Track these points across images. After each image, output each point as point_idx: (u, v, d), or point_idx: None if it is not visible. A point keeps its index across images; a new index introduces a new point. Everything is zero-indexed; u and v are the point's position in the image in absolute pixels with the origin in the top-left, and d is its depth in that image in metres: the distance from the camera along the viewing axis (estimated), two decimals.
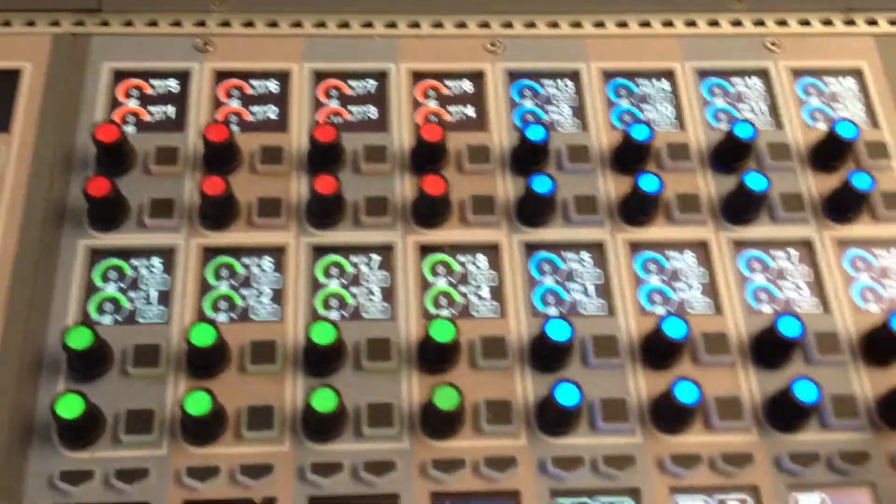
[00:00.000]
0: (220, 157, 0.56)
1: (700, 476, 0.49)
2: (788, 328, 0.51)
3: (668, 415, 0.50)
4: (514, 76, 0.62)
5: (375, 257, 0.55)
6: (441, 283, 0.55)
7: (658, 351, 0.52)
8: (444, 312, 0.54)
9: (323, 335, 0.49)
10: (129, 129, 0.58)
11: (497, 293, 0.55)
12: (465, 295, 0.55)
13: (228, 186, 0.54)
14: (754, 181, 0.55)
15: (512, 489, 0.49)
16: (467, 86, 0.62)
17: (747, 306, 0.55)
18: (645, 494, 0.49)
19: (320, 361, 0.50)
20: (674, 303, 0.55)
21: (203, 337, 0.49)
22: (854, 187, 0.56)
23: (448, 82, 0.62)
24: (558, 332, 0.50)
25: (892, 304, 0.55)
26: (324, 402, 0.48)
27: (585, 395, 0.50)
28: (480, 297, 0.55)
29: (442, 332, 0.50)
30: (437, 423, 0.49)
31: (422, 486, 0.48)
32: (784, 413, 0.50)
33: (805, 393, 0.49)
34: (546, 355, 0.52)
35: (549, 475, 0.49)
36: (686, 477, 0.49)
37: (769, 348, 0.52)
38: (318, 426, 0.48)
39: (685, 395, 0.49)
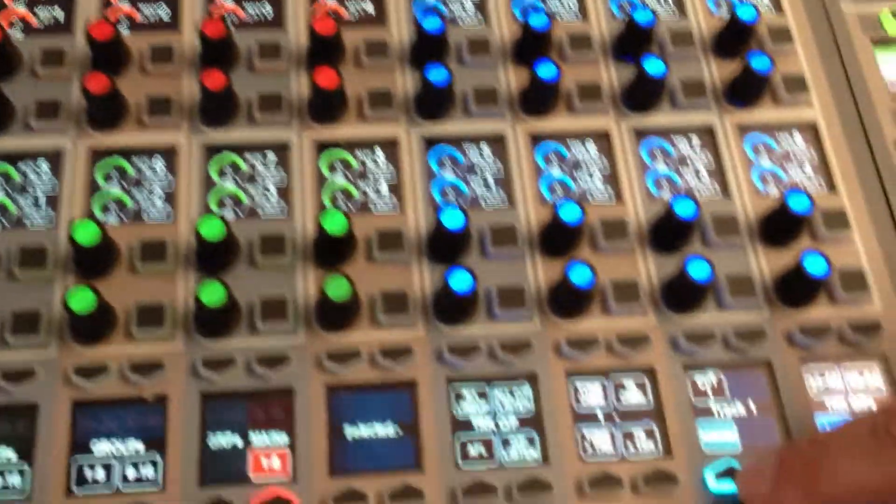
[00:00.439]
0: (108, 57, 0.55)
1: (597, 359, 0.49)
2: (684, 209, 0.51)
3: (564, 299, 0.50)
4: None
5: (271, 155, 0.54)
6: (339, 180, 0.54)
7: (555, 238, 0.52)
8: (342, 208, 0.53)
9: (211, 230, 0.48)
10: (17, 35, 0.56)
11: (396, 189, 0.54)
12: (363, 192, 0.54)
13: (114, 85, 0.52)
14: (653, 66, 0.55)
15: (409, 379, 0.48)
16: None
17: (648, 194, 0.55)
18: (542, 379, 0.49)
19: (211, 258, 0.50)
20: (575, 193, 0.55)
21: (88, 236, 0.48)
22: (753, 70, 0.55)
23: None
24: (453, 220, 0.50)
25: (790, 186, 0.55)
26: (212, 295, 0.47)
27: (482, 284, 0.50)
28: (379, 193, 0.54)
29: (334, 224, 0.49)
30: (330, 314, 0.49)
31: (317, 378, 0.48)
32: (679, 293, 0.50)
33: (698, 271, 0.49)
34: (442, 245, 0.51)
35: (445, 363, 0.49)
36: (583, 360, 0.49)
37: (666, 231, 0.52)
38: (208, 321, 0.48)
39: (579, 278, 0.49)
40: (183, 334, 0.49)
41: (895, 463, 0.36)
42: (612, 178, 0.55)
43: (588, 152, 0.56)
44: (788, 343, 0.50)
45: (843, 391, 0.50)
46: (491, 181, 0.55)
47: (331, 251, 0.50)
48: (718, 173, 0.56)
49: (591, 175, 0.55)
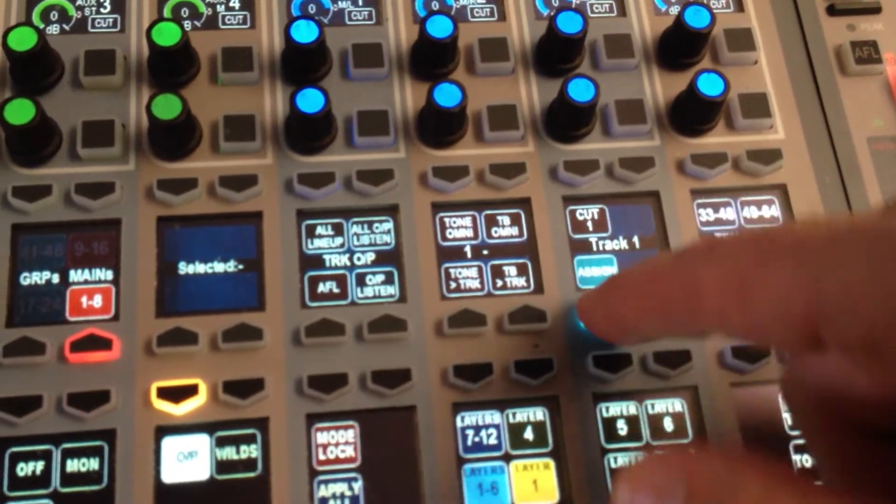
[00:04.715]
0: None
1: (468, 190, 0.44)
2: (568, 24, 0.45)
3: (431, 124, 0.44)
4: None
5: None
6: None
7: (424, 57, 0.46)
8: (186, 24, 0.47)
9: (22, 42, 0.42)
10: None
11: (248, 1, 0.48)
12: (211, 5, 0.47)
13: None
14: None
15: (255, 210, 0.43)
16: None
17: (535, 12, 0.49)
18: (404, 209, 0.44)
19: (25, 75, 0.43)
20: (454, 9, 0.49)
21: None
22: None
23: None
24: (304, 34, 0.44)
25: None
26: (19, 115, 0.41)
27: (339, 107, 0.44)
28: (229, 7, 0.47)
29: (167, 36, 0.43)
30: (161, 138, 0.43)
31: (147, 209, 0.43)
32: (560, 119, 0.45)
33: (579, 92, 0.44)
34: (294, 61, 0.45)
35: (295, 194, 0.43)
36: (451, 192, 0.44)
37: (550, 50, 0.47)
38: (18, 142, 0.42)
39: (446, 98, 0.43)
40: None
41: (690, 276, 0.31)
42: None
43: None
44: (679, 172, 0.45)
45: (735, 224, 0.45)
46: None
47: (166, 69, 0.44)
48: None
49: None
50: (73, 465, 0.38)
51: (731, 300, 0.29)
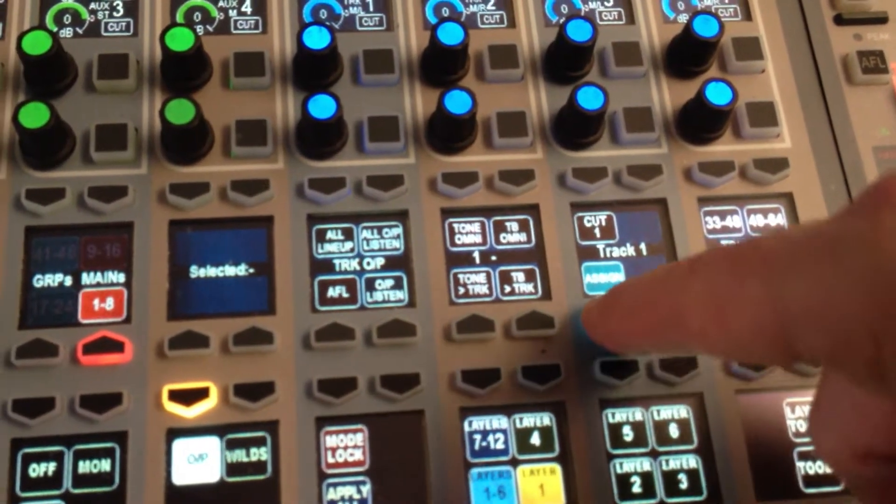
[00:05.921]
0: None
1: (477, 197, 0.45)
2: (578, 32, 0.46)
3: (441, 130, 0.45)
4: None
5: None
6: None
7: (434, 64, 0.46)
8: (199, 29, 0.47)
9: (37, 46, 0.42)
10: None
11: (260, 6, 0.48)
12: (223, 10, 0.48)
13: None
14: None
15: (267, 214, 0.44)
16: None
17: (545, 19, 0.49)
18: (413, 215, 0.44)
19: (40, 78, 0.44)
20: (464, 15, 0.49)
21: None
22: None
23: None
24: (316, 40, 0.44)
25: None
26: (34, 118, 0.41)
27: (350, 112, 0.45)
28: (241, 12, 0.48)
29: (180, 42, 0.43)
30: (173, 143, 0.43)
31: (159, 212, 0.43)
32: (569, 126, 0.45)
33: (588, 100, 0.44)
34: (306, 67, 0.45)
35: (305, 199, 0.44)
36: (461, 198, 0.44)
37: (559, 58, 0.47)
38: (32, 145, 0.42)
39: (456, 105, 0.44)
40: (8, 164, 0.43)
41: (676, 296, 0.32)
42: (505, 2, 0.49)
43: None
44: (686, 180, 0.46)
45: (742, 232, 0.45)
46: (371, 2, 0.49)
47: (179, 73, 0.45)
48: None
49: (485, 1, 0.50)
50: (84, 467, 0.38)
51: (710, 321, 0.30)
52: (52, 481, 0.38)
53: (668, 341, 0.34)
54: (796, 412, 0.42)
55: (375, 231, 0.44)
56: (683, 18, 0.50)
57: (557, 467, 0.40)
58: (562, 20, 0.47)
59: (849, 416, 0.31)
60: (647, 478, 0.40)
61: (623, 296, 0.37)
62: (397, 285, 0.43)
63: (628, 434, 0.41)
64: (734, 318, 0.29)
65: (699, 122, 0.46)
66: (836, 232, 0.26)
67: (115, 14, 0.47)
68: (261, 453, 0.39)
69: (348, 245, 0.43)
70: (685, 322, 0.31)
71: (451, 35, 0.45)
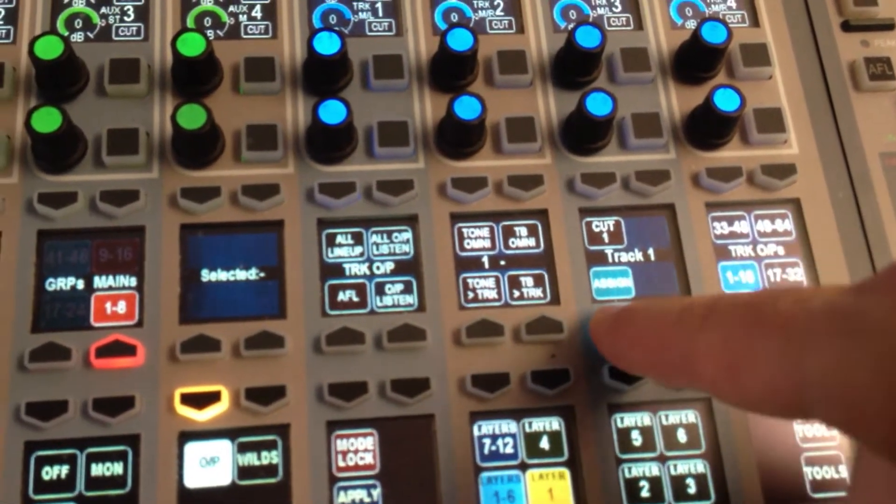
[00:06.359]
0: None
1: (486, 201, 0.45)
2: (586, 38, 0.46)
3: (450, 135, 0.45)
4: None
5: None
6: (206, 2, 0.48)
7: (444, 69, 0.47)
8: (209, 34, 0.47)
9: (49, 51, 0.43)
10: None
11: (270, 11, 0.48)
12: (234, 15, 0.48)
13: None
14: None
15: (277, 218, 0.44)
16: None
17: (553, 25, 0.49)
18: (423, 219, 0.44)
19: (52, 82, 0.44)
20: (472, 21, 0.49)
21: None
22: None
23: None
24: (327, 46, 0.44)
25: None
26: (46, 123, 0.41)
27: (359, 118, 0.45)
28: (251, 17, 0.48)
29: (191, 47, 0.44)
30: (185, 147, 0.43)
31: (170, 216, 0.43)
32: (578, 131, 0.46)
33: (597, 106, 0.44)
34: (316, 72, 0.46)
35: (316, 203, 0.44)
36: (470, 202, 0.45)
37: (568, 63, 0.47)
38: (44, 149, 0.42)
39: (465, 111, 0.44)
40: (20, 167, 0.43)
41: (687, 342, 0.32)
42: (513, 8, 0.50)
43: None
44: (694, 185, 0.46)
45: (749, 238, 0.46)
46: (380, 8, 0.49)
47: (190, 78, 0.45)
48: (632, 2, 0.50)
49: (492, 5, 0.50)
50: (97, 470, 0.39)
51: (722, 373, 0.30)
52: (65, 484, 0.38)
53: (678, 381, 0.34)
54: None
55: (385, 235, 0.44)
56: (691, 24, 0.50)
57: (566, 472, 0.41)
58: (570, 26, 0.48)
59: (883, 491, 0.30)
60: (655, 482, 0.41)
61: (634, 321, 0.36)
62: (407, 290, 0.43)
63: (637, 439, 0.41)
64: (748, 375, 0.29)
65: (707, 128, 0.46)
66: (856, 309, 0.26)
67: (125, 19, 0.47)
68: (272, 457, 0.40)
69: (358, 249, 0.44)
70: (696, 370, 0.31)
71: (460, 41, 0.45)
